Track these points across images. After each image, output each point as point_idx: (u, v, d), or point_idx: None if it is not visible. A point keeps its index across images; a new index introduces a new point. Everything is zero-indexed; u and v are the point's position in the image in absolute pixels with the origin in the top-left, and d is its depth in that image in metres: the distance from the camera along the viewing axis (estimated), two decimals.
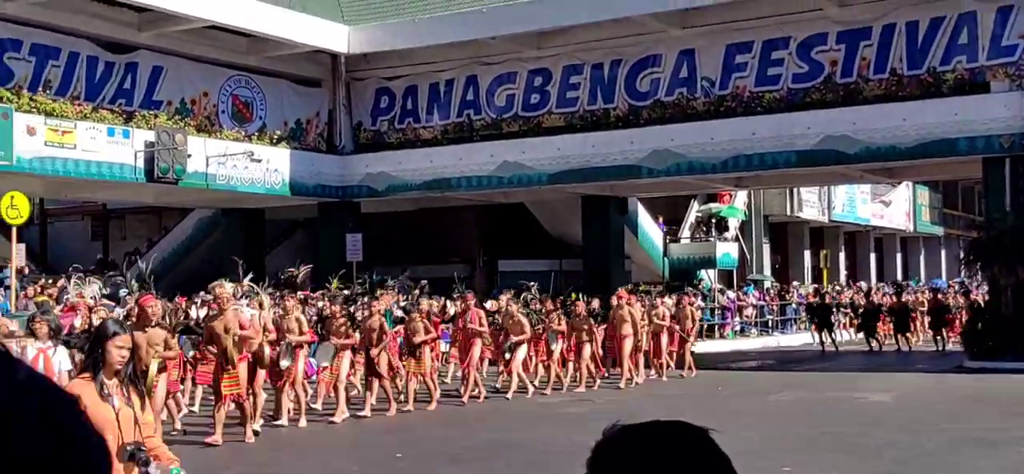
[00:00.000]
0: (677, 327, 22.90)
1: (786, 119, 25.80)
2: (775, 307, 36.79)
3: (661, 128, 27.38)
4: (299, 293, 21.62)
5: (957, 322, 30.20)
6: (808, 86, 26.31)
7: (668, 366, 22.30)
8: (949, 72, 24.65)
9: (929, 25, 24.91)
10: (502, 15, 28.48)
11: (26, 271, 25.89)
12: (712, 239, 38.37)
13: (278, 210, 33.98)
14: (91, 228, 40.84)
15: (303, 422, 15.17)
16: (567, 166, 28.33)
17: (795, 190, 41.52)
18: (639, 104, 28.30)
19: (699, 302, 29.65)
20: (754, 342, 32.91)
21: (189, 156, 26.26)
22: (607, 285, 29.87)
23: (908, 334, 29.98)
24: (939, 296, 31.65)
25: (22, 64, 24.67)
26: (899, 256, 57.29)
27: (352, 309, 17.44)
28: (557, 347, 19.95)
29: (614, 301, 21.82)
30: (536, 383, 19.84)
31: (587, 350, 20.12)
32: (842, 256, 50.68)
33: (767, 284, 39.89)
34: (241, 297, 16.05)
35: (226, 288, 14.02)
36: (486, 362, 19.87)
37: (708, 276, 39.06)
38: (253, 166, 28.42)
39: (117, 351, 5.24)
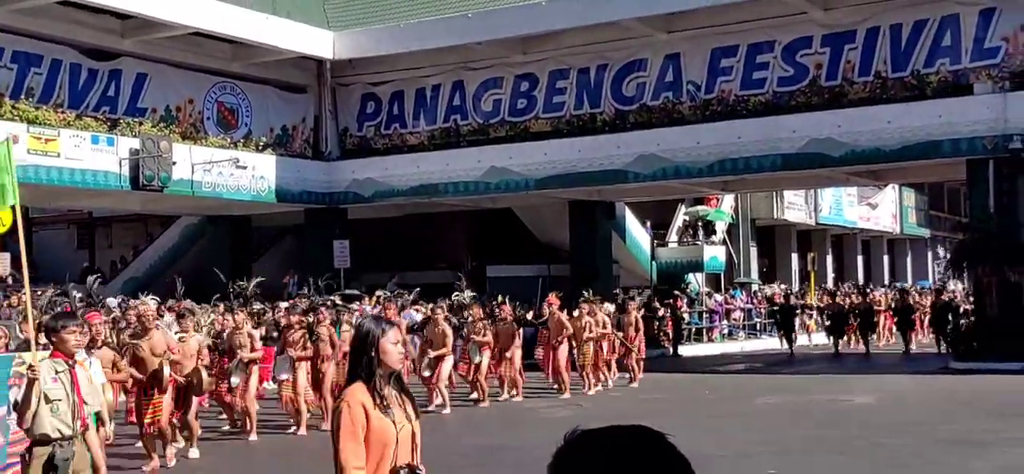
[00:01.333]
0: (618, 335, 21.74)
1: (772, 122, 25.82)
2: (763, 310, 36.83)
3: (647, 132, 27.38)
4: (257, 305, 20.95)
5: (921, 322, 31.73)
6: (793, 89, 26.35)
7: (610, 374, 21.38)
8: (933, 74, 24.71)
9: (912, 28, 24.98)
10: (488, 20, 28.46)
11: (10, 281, 25.74)
12: (699, 243, 38.38)
13: (265, 217, 33.88)
14: (77, 236, 40.67)
15: (253, 436, 14.81)
16: (554, 171, 28.31)
17: (782, 193, 41.58)
18: (625, 108, 28.29)
19: (680, 306, 29.42)
20: (742, 345, 32.92)
21: (174, 163, 26.15)
22: (596, 290, 29.95)
23: (873, 335, 30.28)
24: (905, 296, 31.76)
25: (4, 72, 24.52)
26: (886, 258, 57.44)
27: (312, 320, 16.83)
28: (482, 359, 18.62)
29: (545, 309, 21.24)
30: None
31: (517, 356, 19.37)
32: (829, 259, 50.78)
33: (754, 287, 39.93)
34: (172, 317, 15.64)
35: (149, 306, 13.06)
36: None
37: (696, 279, 39.08)
38: (239, 173, 28.34)
39: (394, 350, 4.62)
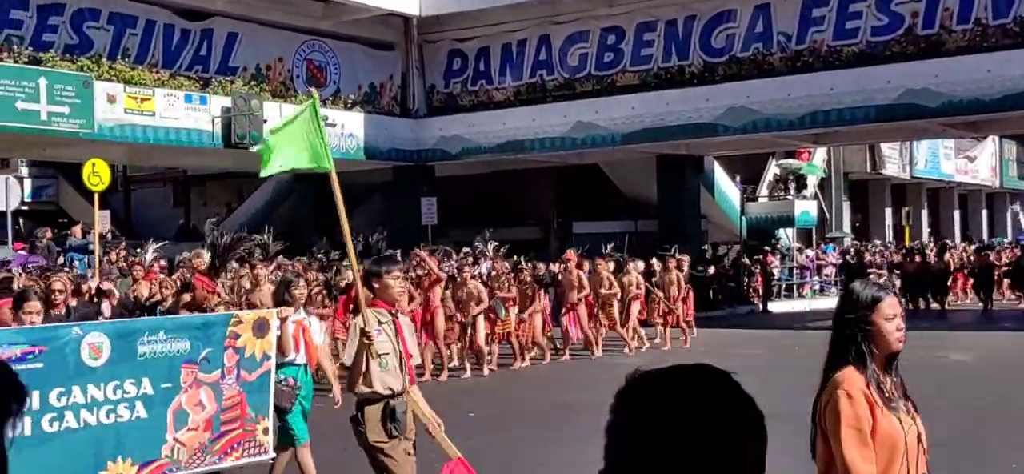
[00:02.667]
0: (659, 295, 20.74)
1: (865, 73, 25.19)
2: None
3: (737, 85, 26.96)
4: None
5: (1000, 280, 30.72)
6: (888, 39, 25.65)
7: (600, 337, 19.79)
8: None
9: None
10: None
11: (110, 237, 26.45)
12: (790, 197, 37.78)
13: (354, 175, 34.19)
14: (173, 194, 41.56)
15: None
16: (641, 125, 28.06)
17: (875, 146, 40.65)
18: (714, 60, 27.87)
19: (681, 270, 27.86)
20: (833, 302, 32.36)
21: (265, 122, 26.50)
22: (685, 246, 29.70)
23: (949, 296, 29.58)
24: (983, 255, 30.87)
25: (101, 33, 25.09)
26: (985, 213, 55.89)
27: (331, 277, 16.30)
28: (509, 315, 17.62)
29: (559, 266, 20.38)
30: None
31: (537, 320, 18.36)
32: (925, 214, 49.61)
33: (846, 242, 39.21)
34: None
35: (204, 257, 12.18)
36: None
37: (786, 235, 38.51)
38: (327, 131, 28.58)
39: (891, 327, 3.68)
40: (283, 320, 7.98)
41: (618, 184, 35.65)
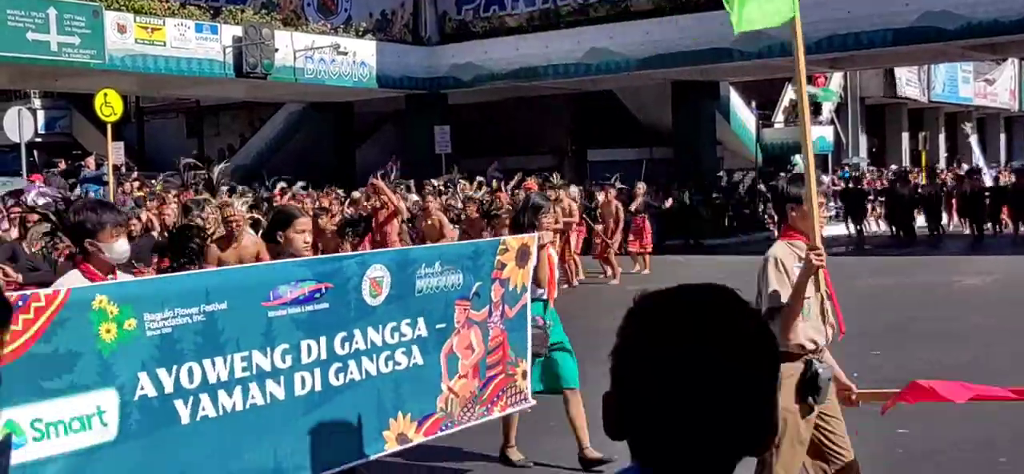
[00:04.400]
0: (595, 227, 19.56)
1: None
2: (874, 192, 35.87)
3: None
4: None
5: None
6: None
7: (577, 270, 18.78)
8: None
9: None
10: None
11: (123, 169, 26.47)
12: None
13: (367, 104, 34.11)
14: (186, 125, 41.56)
15: None
16: (656, 51, 27.79)
17: (892, 70, 40.23)
18: None
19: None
20: (850, 227, 32.21)
21: (276, 50, 26.40)
22: (700, 173, 29.59)
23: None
24: (976, 180, 29.66)
25: None
26: (1003, 137, 55.42)
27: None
28: None
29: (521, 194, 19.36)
30: None
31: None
32: (942, 138, 49.23)
33: (863, 168, 38.97)
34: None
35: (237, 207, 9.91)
36: None
37: (802, 161, 38.30)
38: (340, 59, 28.48)
39: None
40: (541, 247, 6.69)
41: (633, 111, 35.43)
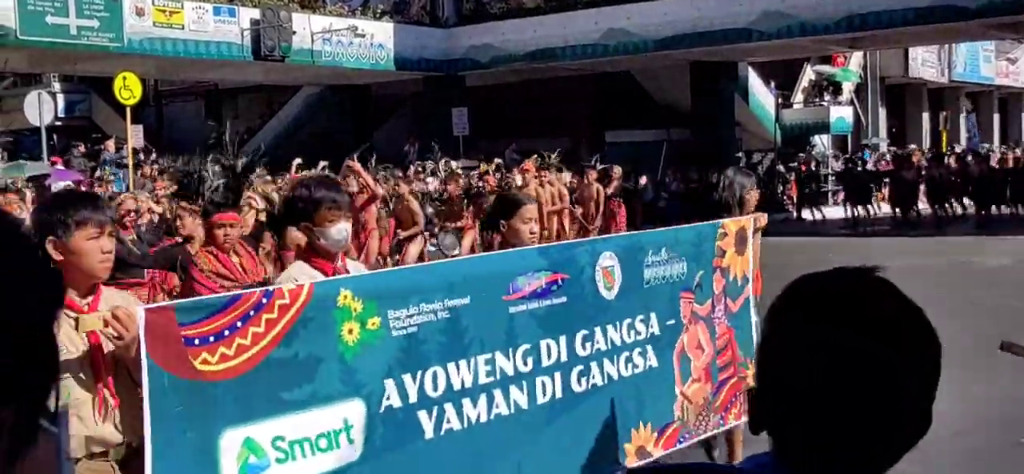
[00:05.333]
0: (577, 210, 18.73)
1: None
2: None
3: None
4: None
5: None
6: None
7: None
8: None
9: None
10: None
11: (141, 155, 26.57)
12: (825, 103, 37.27)
13: (385, 86, 34.11)
14: (205, 108, 41.64)
15: None
16: (674, 31, 27.68)
17: (907, 51, 39.93)
18: None
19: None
20: (870, 208, 32.01)
21: (294, 33, 26.42)
22: (718, 154, 29.44)
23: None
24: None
25: None
26: None
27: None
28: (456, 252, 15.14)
29: (517, 178, 18.46)
30: None
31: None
32: (962, 118, 48.84)
33: (883, 149, 38.72)
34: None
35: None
36: None
37: (821, 142, 38.08)
38: (358, 41, 28.49)
39: None
40: (758, 230, 5.88)
41: (651, 93, 35.29)
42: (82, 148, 26.68)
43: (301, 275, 3.99)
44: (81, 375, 3.38)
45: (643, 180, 23.32)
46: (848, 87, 39.27)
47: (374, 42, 29.09)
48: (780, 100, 35.58)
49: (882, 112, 41.84)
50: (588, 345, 4.59)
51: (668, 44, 28.00)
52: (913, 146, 36.39)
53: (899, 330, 1.43)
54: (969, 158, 28.06)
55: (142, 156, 25.95)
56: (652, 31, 27.94)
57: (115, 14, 22.57)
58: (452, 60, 31.20)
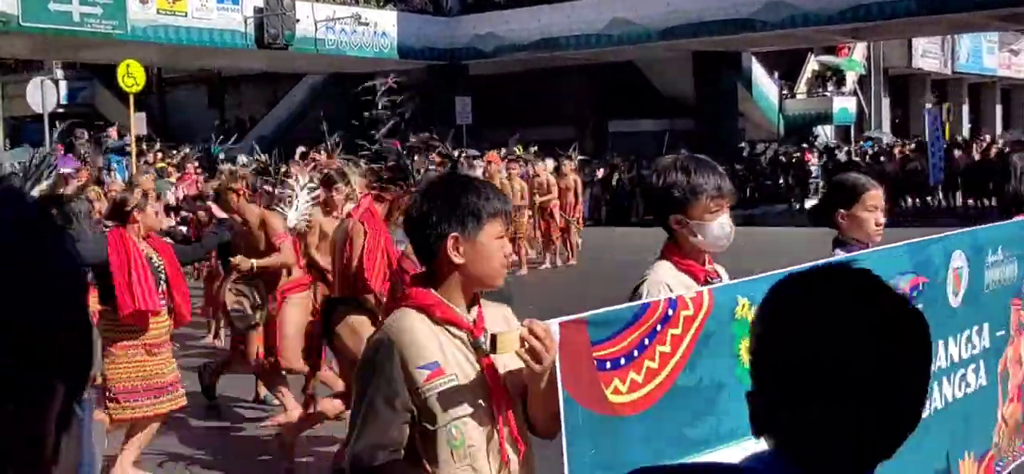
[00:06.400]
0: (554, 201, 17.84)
1: None
2: None
3: None
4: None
5: None
6: None
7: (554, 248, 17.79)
8: None
9: None
10: None
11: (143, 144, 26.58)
12: (829, 94, 37.26)
13: (388, 75, 34.06)
14: (208, 96, 41.62)
15: None
16: (677, 21, 27.66)
17: (909, 42, 39.89)
18: None
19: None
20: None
21: (297, 21, 26.40)
22: (721, 144, 29.43)
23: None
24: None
25: None
26: None
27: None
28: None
29: (481, 168, 17.92)
30: None
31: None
32: (965, 109, 48.80)
33: (885, 140, 38.71)
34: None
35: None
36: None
37: (824, 132, 38.08)
38: (361, 30, 28.48)
39: None
40: None
41: (654, 83, 35.28)
42: (85, 136, 26.65)
43: (670, 280, 3.20)
44: (480, 411, 2.57)
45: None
46: (852, 77, 39.27)
47: (377, 31, 29.09)
48: (783, 90, 35.59)
49: (885, 102, 41.82)
50: (934, 363, 3.81)
51: (671, 34, 27.99)
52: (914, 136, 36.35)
53: (902, 326, 1.44)
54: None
55: (144, 145, 25.97)
56: (656, 21, 27.92)
57: (118, 1, 22.57)
58: (455, 49, 31.20)
